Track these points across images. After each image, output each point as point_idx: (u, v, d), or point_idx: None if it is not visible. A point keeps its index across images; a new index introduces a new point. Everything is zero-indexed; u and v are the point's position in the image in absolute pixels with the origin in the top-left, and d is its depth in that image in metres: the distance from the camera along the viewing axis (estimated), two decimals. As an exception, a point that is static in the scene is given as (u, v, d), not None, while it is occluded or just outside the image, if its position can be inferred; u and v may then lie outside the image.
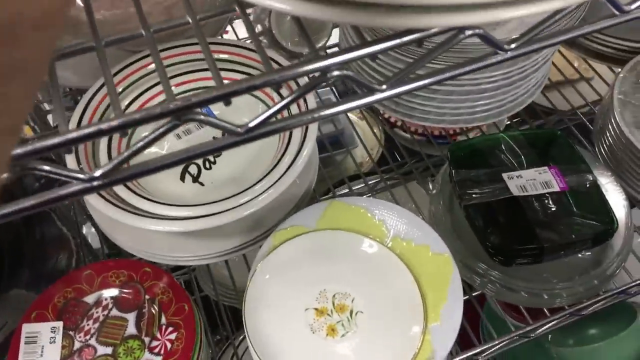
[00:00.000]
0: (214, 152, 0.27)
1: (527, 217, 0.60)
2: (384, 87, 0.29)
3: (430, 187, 0.88)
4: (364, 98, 0.29)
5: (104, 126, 0.24)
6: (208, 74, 0.67)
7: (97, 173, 0.25)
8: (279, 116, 0.30)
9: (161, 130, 0.26)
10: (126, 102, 0.63)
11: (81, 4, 0.76)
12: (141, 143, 0.26)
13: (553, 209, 0.61)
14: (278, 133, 0.28)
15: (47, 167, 0.24)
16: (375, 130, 0.94)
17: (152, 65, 0.65)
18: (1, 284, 0.59)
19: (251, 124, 0.27)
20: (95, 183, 0.25)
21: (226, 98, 0.26)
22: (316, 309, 0.58)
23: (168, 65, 0.66)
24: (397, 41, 0.27)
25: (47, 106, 0.87)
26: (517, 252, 0.60)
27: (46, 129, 0.81)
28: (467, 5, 0.25)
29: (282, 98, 0.29)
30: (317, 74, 0.28)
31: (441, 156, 0.83)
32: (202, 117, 0.26)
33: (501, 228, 0.61)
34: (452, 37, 0.29)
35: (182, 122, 0.26)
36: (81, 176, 0.25)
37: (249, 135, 0.27)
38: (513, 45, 0.30)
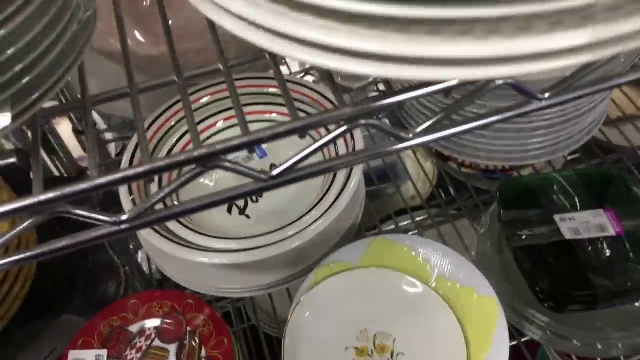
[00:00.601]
0: (239, 198, 0.28)
1: (580, 261, 0.58)
2: (411, 135, 0.28)
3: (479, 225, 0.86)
4: (391, 146, 0.29)
5: (129, 173, 0.25)
6: (257, 107, 0.68)
7: (123, 217, 0.26)
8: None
9: (187, 176, 0.26)
10: (177, 137, 0.65)
11: (141, 39, 0.79)
12: (166, 190, 0.26)
13: (607, 254, 0.58)
14: (303, 180, 0.28)
15: (77, 211, 0.25)
16: (426, 165, 0.93)
17: (204, 99, 0.67)
18: (53, 308, 0.62)
19: (274, 172, 0.27)
20: (122, 226, 0.26)
21: (250, 145, 0.27)
22: (356, 348, 0.57)
23: (218, 100, 0.68)
24: (424, 91, 0.27)
25: (108, 135, 0.91)
26: (568, 298, 0.57)
27: (106, 157, 0.85)
28: (495, 59, 0.24)
29: (328, 131, 0.29)
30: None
31: (492, 193, 0.81)
32: (227, 164, 0.27)
33: (552, 272, 0.58)
34: (482, 85, 0.28)
35: (207, 168, 0.27)
36: (109, 219, 0.26)
37: (274, 182, 0.28)
38: (547, 95, 0.29)
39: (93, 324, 0.55)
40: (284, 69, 0.90)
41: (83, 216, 0.25)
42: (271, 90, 0.68)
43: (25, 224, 0.25)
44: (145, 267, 0.87)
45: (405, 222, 0.80)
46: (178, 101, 0.66)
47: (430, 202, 0.88)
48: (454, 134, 0.29)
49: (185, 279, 0.62)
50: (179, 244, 0.56)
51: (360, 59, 0.25)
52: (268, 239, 0.56)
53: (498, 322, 0.55)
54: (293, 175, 0.28)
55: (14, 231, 0.25)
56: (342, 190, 0.58)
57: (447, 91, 0.27)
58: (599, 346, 0.59)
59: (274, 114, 0.68)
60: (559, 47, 0.24)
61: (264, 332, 0.78)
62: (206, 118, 0.68)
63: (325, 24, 0.25)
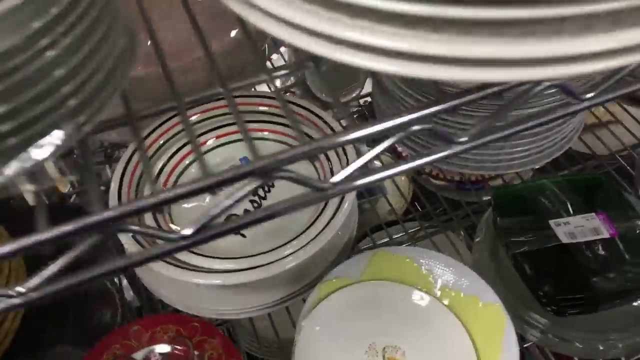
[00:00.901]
0: (301, 208, 0.27)
1: (579, 264, 0.59)
2: (464, 139, 0.29)
3: (462, 234, 0.87)
4: (441, 152, 0.29)
5: (195, 187, 0.24)
6: (249, 125, 0.67)
7: (188, 232, 0.25)
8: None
9: (247, 189, 0.26)
10: (170, 153, 0.64)
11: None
12: (226, 204, 0.25)
13: (604, 256, 0.60)
14: (358, 190, 0.28)
15: (138, 228, 0.24)
16: (402, 178, 0.94)
17: (193, 118, 0.66)
18: (46, 340, 0.59)
19: (333, 180, 0.27)
20: (184, 242, 0.25)
21: (311, 155, 0.26)
22: (366, 362, 0.57)
23: (208, 118, 0.67)
24: (479, 94, 0.27)
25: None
26: (570, 301, 0.58)
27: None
28: (557, 59, 0.25)
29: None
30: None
31: (480, 203, 0.83)
32: (288, 174, 0.26)
33: (553, 276, 0.59)
34: (531, 87, 0.29)
35: (268, 179, 0.26)
36: (174, 236, 0.25)
37: (332, 191, 0.27)
38: (588, 95, 0.30)
39: (94, 354, 0.53)
40: (265, 88, 0.89)
41: (145, 233, 0.24)
42: (262, 108, 0.68)
43: (88, 242, 0.23)
44: (126, 294, 0.85)
45: (398, 235, 0.80)
46: (170, 118, 0.65)
47: (407, 215, 0.89)
48: (505, 136, 0.29)
49: (182, 302, 0.61)
50: (177, 266, 0.54)
51: (422, 63, 0.25)
52: (266, 259, 0.55)
53: (505, 328, 0.56)
54: (350, 184, 0.27)
55: (76, 251, 0.23)
56: (338, 207, 0.58)
57: (500, 93, 0.27)
58: (601, 347, 0.60)
59: (265, 132, 0.67)
60: (620, 46, 0.24)
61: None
62: (197, 137, 0.67)
63: (387, 29, 0.25)
